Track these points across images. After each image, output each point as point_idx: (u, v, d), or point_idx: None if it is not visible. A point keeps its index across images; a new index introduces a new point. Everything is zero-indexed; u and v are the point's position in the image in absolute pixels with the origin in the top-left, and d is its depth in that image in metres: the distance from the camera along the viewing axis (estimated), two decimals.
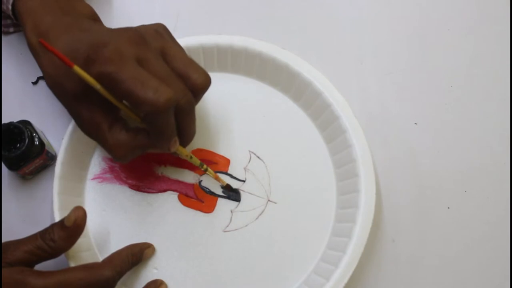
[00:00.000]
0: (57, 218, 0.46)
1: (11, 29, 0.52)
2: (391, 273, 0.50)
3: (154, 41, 0.41)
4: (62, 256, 0.43)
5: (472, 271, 0.50)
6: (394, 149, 0.52)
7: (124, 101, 0.41)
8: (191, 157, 0.47)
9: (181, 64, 0.42)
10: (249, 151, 0.51)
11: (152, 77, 0.38)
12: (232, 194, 0.50)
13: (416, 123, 0.53)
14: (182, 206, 0.49)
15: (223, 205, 0.49)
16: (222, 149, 0.51)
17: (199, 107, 0.51)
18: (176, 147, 0.44)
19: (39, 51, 0.41)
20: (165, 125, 0.40)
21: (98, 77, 0.38)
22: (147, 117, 0.40)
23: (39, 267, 0.41)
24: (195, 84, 0.42)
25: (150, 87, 0.37)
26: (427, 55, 0.54)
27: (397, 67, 0.54)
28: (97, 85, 0.38)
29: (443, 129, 0.53)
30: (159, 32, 0.42)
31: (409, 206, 0.51)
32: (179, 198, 0.50)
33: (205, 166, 0.48)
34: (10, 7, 0.45)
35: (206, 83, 0.42)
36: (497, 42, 0.55)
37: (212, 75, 0.43)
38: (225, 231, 0.49)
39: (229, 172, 0.50)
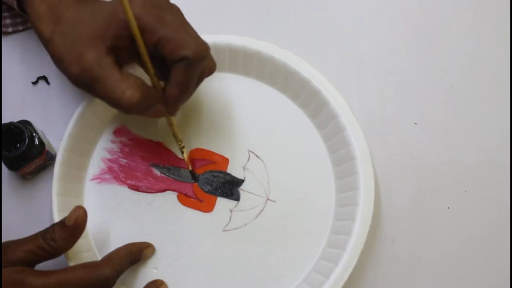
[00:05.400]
0: (57, 219, 0.46)
1: (11, 29, 0.52)
2: (391, 273, 0.50)
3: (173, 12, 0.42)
4: (62, 257, 0.43)
5: (472, 271, 0.50)
6: (394, 149, 0.52)
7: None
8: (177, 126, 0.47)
9: None
10: (248, 150, 0.51)
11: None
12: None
13: (416, 123, 0.53)
14: (181, 205, 0.49)
15: (223, 204, 0.49)
16: (220, 149, 0.51)
17: (198, 106, 0.51)
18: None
19: (46, 19, 0.41)
20: (194, 76, 0.41)
21: (138, 18, 0.38)
22: (184, 64, 0.39)
23: (39, 267, 0.41)
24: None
25: (194, 36, 0.40)
26: (427, 55, 0.54)
27: (397, 67, 0.54)
28: (133, 21, 0.38)
29: (443, 129, 0.52)
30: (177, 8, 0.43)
31: (409, 206, 0.51)
32: (179, 198, 0.50)
33: (182, 144, 0.48)
34: None
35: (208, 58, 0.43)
36: (497, 42, 0.55)
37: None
38: (224, 230, 0.49)
39: (228, 171, 0.50)
